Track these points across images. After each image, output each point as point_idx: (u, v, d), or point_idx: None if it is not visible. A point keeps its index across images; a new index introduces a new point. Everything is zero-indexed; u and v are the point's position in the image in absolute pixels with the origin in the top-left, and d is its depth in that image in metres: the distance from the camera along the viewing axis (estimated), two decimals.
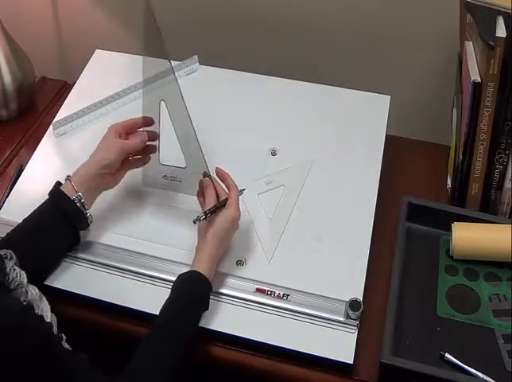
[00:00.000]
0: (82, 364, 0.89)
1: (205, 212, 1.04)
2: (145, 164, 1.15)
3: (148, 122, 1.13)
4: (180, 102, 1.05)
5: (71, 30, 1.63)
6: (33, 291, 0.90)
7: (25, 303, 0.86)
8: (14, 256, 0.93)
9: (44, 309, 0.89)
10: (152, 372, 0.93)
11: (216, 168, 1.10)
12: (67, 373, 0.84)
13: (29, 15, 1.61)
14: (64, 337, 0.96)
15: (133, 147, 1.11)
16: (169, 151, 1.14)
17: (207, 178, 1.08)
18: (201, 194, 1.09)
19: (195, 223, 1.04)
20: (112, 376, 0.91)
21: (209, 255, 1.03)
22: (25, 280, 0.89)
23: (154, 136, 1.13)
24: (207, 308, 1.02)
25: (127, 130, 1.12)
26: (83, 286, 1.07)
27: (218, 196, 1.07)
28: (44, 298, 0.93)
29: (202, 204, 1.09)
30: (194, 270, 1.01)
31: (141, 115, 1.13)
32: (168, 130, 1.11)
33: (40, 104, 1.44)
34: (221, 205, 1.06)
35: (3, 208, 1.18)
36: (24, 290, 0.87)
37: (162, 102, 1.09)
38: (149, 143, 1.13)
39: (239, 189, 1.09)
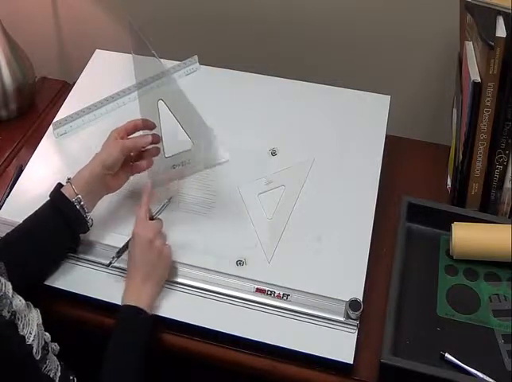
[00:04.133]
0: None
1: (117, 253, 1.07)
2: (148, 167, 1.14)
3: (149, 126, 1.12)
4: (176, 85, 1.06)
5: (71, 30, 1.63)
6: (19, 302, 0.88)
7: (9, 314, 0.84)
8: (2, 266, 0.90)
9: (30, 322, 0.87)
10: None
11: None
12: None
13: (29, 15, 1.61)
14: (57, 348, 0.94)
15: (134, 145, 1.10)
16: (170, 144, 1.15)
17: (148, 184, 1.11)
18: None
19: (108, 266, 1.07)
20: None
21: (135, 286, 1.02)
22: (10, 291, 0.86)
23: (157, 139, 1.12)
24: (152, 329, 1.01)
25: (129, 132, 1.12)
26: (83, 286, 1.07)
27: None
28: (33, 309, 0.91)
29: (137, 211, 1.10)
30: (129, 307, 1.00)
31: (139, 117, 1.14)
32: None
33: (40, 104, 1.44)
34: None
35: (3, 208, 1.18)
36: (8, 301, 0.84)
37: (160, 101, 1.09)
38: (151, 146, 1.13)
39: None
